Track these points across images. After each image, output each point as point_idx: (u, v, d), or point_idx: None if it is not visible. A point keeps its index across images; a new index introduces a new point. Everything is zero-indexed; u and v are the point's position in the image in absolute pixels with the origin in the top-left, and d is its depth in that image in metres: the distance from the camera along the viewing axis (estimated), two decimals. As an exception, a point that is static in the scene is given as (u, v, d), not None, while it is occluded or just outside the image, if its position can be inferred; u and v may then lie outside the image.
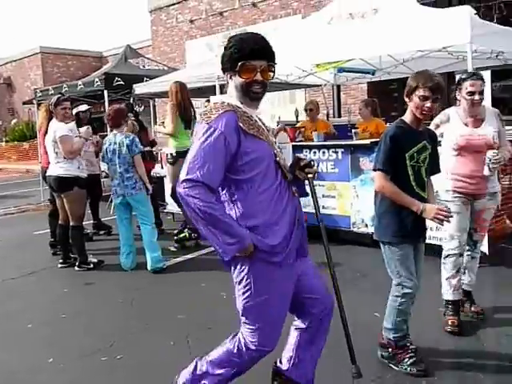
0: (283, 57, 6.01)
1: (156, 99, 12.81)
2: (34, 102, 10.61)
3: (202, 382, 2.33)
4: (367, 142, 5.55)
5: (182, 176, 2.00)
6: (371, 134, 6.04)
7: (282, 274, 2.13)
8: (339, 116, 11.16)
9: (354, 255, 5.29)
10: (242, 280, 2.13)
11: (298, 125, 7.35)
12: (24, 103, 19.86)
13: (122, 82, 8.56)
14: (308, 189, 2.37)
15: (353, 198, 5.63)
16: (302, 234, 2.26)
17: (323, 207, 5.89)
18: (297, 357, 2.42)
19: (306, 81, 8.52)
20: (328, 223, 5.85)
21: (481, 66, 5.77)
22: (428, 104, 2.69)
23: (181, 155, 5.81)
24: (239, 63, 2.08)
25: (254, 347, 2.19)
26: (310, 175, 2.31)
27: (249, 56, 2.07)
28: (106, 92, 8.24)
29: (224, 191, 2.13)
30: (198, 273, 4.99)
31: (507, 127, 4.22)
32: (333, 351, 2.71)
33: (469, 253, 3.58)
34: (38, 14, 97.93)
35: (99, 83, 8.50)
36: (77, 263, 5.30)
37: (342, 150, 5.71)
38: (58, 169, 5.15)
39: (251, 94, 2.12)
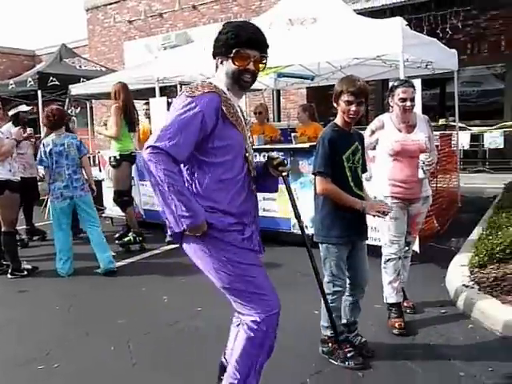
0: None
1: (93, 101, 12.48)
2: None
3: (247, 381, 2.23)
4: (306, 145, 5.71)
5: (150, 141, 1.99)
6: (309, 138, 6.20)
7: (247, 254, 2.18)
8: (279, 120, 11.39)
9: (294, 256, 5.39)
10: (209, 265, 2.14)
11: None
12: None
13: (57, 82, 8.29)
14: (279, 185, 2.48)
15: (293, 200, 5.76)
16: (257, 230, 2.33)
17: (264, 210, 5.99)
18: None
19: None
20: (269, 226, 5.97)
21: (412, 74, 6.11)
22: (353, 108, 2.82)
23: (124, 158, 5.72)
24: (234, 49, 2.09)
25: (260, 318, 2.16)
26: (283, 173, 2.39)
27: (245, 44, 2.09)
28: (39, 92, 7.94)
29: (186, 167, 2.13)
30: (138, 277, 4.92)
31: (435, 133, 4.50)
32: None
33: (405, 253, 3.74)
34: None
35: (32, 83, 8.18)
36: (9, 270, 5.08)
37: (282, 153, 5.82)
38: None
39: (241, 83, 2.14)
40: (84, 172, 5.16)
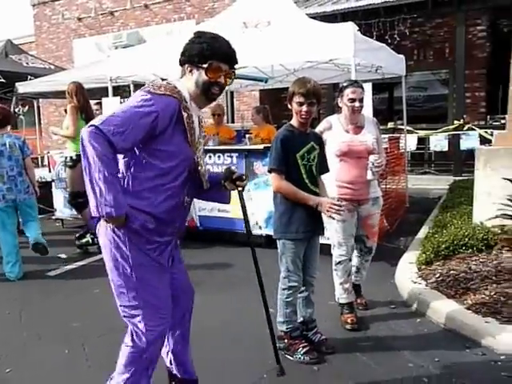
0: (176, 61, 6.14)
1: (41, 99, 12.12)
2: None
3: None
4: (261, 147, 5.80)
5: (95, 121, 1.95)
6: (263, 140, 6.30)
7: (154, 266, 2.14)
8: (232, 121, 11.45)
9: (248, 256, 5.47)
10: (112, 263, 2.12)
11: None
12: None
13: (2, 80, 8.01)
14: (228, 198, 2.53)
15: (247, 200, 5.81)
16: (175, 244, 2.34)
17: (219, 210, 6.04)
18: (171, 352, 2.48)
19: (200, 86, 8.62)
20: (224, 226, 6.03)
21: (363, 78, 6.31)
22: (304, 108, 2.94)
23: (80, 159, 5.59)
24: (209, 61, 2.11)
25: (140, 333, 2.13)
26: (239, 188, 2.47)
27: (219, 58, 2.13)
28: (-16, 89, 7.66)
29: (124, 160, 2.11)
30: (91, 279, 4.83)
31: (384, 135, 4.68)
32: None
33: (366, 257, 3.81)
34: None
35: (-24, 79, 7.88)
36: None
37: (237, 154, 5.89)
38: None
39: (209, 94, 2.17)
40: (27, 174, 4.99)
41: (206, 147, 6.26)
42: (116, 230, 2.06)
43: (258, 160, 5.72)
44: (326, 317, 3.62)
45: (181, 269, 2.41)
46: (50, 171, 7.35)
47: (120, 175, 2.08)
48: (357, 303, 3.82)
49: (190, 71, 2.16)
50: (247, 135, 6.45)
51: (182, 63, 2.20)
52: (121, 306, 2.18)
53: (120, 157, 2.09)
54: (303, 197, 2.95)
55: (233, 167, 2.62)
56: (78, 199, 5.70)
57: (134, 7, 14.78)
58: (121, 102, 6.29)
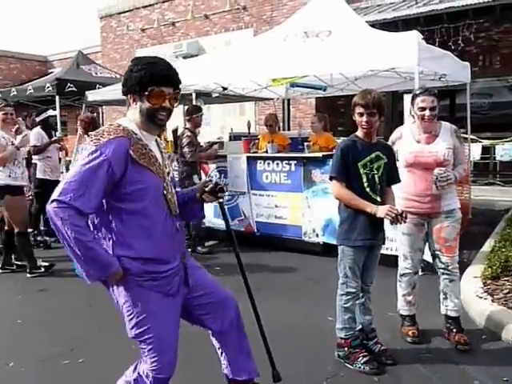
0: (238, 70, 6.28)
1: (104, 106, 12.67)
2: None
3: None
4: (319, 155, 5.82)
5: (55, 195, 1.93)
6: (321, 148, 6.32)
7: (162, 301, 2.10)
8: (288, 129, 11.49)
9: (305, 263, 5.50)
10: (123, 305, 2.10)
11: (259, 136, 7.54)
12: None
13: (74, 89, 8.46)
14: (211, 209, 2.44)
15: (304, 208, 5.86)
16: (185, 266, 2.24)
17: (275, 217, 6.10)
18: (228, 357, 2.44)
19: (258, 94, 8.75)
20: (280, 232, 6.08)
21: (426, 86, 6.20)
22: (364, 119, 2.98)
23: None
24: (149, 88, 2.02)
25: (149, 372, 2.15)
26: (220, 200, 2.38)
27: (159, 82, 2.03)
28: (57, 98, 8.11)
29: (100, 218, 2.06)
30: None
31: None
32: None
33: (445, 277, 3.45)
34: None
35: (50, 88, 8.36)
36: (28, 270, 5.23)
37: (295, 162, 5.93)
38: None
39: (156, 120, 2.08)
40: None
41: (265, 154, 6.38)
42: (121, 281, 2.06)
43: (317, 168, 5.73)
44: (385, 328, 3.59)
45: (206, 285, 2.34)
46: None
47: (104, 232, 2.05)
48: (455, 340, 3.36)
49: (134, 100, 2.08)
50: (305, 143, 6.48)
51: (124, 94, 2.12)
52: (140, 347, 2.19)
53: (97, 216, 2.06)
54: (362, 204, 2.97)
55: (213, 178, 2.52)
56: None
57: (194, 17, 15.19)
58: (183, 110, 6.49)
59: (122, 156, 1.97)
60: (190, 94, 7.58)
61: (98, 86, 8.95)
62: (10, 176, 5.15)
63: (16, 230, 5.20)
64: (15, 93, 9.14)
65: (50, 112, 6.50)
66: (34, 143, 6.24)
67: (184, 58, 14.01)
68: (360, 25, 6.20)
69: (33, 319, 4.06)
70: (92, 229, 2.06)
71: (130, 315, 2.09)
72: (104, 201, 2.01)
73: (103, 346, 3.48)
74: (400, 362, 3.14)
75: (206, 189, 2.31)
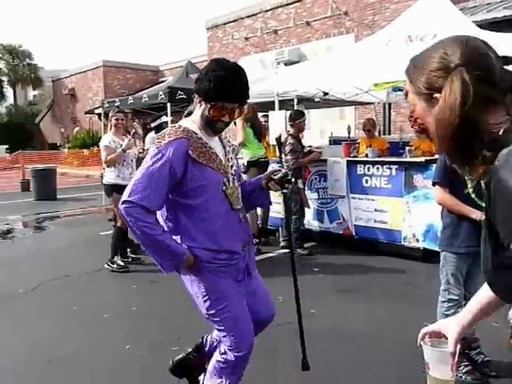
0: (339, 75, 6.29)
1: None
2: (98, 111, 11.25)
3: None
4: (422, 159, 5.64)
5: (124, 196, 2.09)
6: (424, 153, 6.11)
7: (233, 286, 2.23)
8: (389, 133, 11.22)
9: (404, 268, 5.37)
10: (198, 290, 2.22)
11: (359, 141, 7.50)
12: (86, 113, 20.95)
13: (183, 96, 8.96)
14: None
15: (405, 213, 5.72)
16: (249, 257, 2.33)
17: (375, 221, 6.01)
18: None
19: (359, 98, 8.67)
20: (379, 236, 5.99)
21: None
22: None
23: (252, 164, 6.06)
24: (213, 102, 2.10)
25: (229, 352, 2.25)
26: (285, 191, 2.40)
27: (225, 98, 2.10)
28: (169, 105, 8.65)
29: (168, 213, 2.20)
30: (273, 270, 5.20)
31: None
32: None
33: None
34: (102, 29, 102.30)
35: (163, 96, 8.93)
36: (108, 261, 5.75)
37: (396, 166, 5.81)
38: (105, 176, 5.85)
39: (214, 129, 2.19)
40: None
41: (365, 158, 6.32)
42: (191, 269, 2.20)
43: (419, 173, 5.57)
44: (489, 338, 3.41)
45: (257, 287, 2.44)
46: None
47: (170, 225, 2.20)
48: None
49: (199, 102, 2.17)
50: (407, 147, 6.32)
51: (194, 91, 2.21)
52: (214, 328, 2.32)
53: (163, 210, 2.20)
54: (466, 210, 2.87)
55: (275, 166, 2.55)
56: None
57: (296, 25, 15.38)
58: (285, 116, 6.64)
59: (181, 156, 2.08)
60: (292, 100, 7.73)
61: (205, 93, 9.39)
62: (118, 176, 5.66)
63: (117, 224, 5.73)
64: (132, 101, 9.88)
65: (164, 118, 6.98)
66: (148, 147, 6.76)
67: (285, 64, 14.26)
68: (467, 26, 5.93)
69: (146, 307, 4.40)
70: (162, 223, 2.21)
71: (204, 297, 2.20)
72: (170, 197, 2.15)
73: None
74: (506, 375, 2.98)
75: (276, 177, 2.35)
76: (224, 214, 2.20)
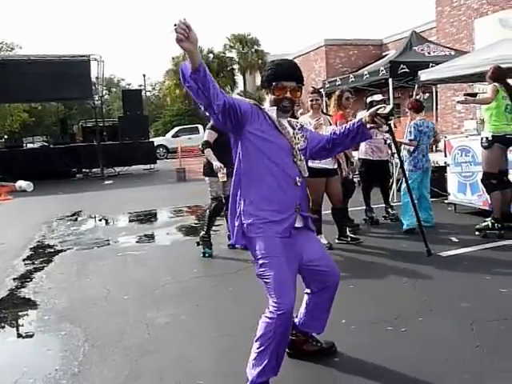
0: None
1: (438, 85, 12.60)
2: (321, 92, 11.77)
3: (255, 361, 2.73)
4: None
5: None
6: None
7: (282, 245, 2.69)
8: None
9: None
10: (254, 250, 2.74)
11: None
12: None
13: (406, 70, 8.82)
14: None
15: None
16: (302, 216, 2.85)
17: None
18: (308, 313, 3.10)
19: None
20: None
21: None
22: None
23: (497, 140, 5.74)
24: (274, 83, 2.76)
25: (273, 310, 2.63)
26: (390, 122, 2.86)
27: (282, 78, 2.75)
28: (390, 80, 8.62)
29: (237, 161, 2.76)
30: (479, 264, 4.97)
31: None
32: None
33: None
34: (324, 7, 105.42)
35: (384, 72, 8.94)
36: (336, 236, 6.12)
37: None
38: None
39: (281, 108, 2.77)
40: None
41: None
42: (250, 234, 2.75)
43: None
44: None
45: (316, 248, 2.95)
46: (445, 155, 7.71)
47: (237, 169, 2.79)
48: None
49: (267, 93, 2.86)
50: None
51: (262, 88, 2.95)
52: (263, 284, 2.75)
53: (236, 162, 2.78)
54: None
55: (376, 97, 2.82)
56: (491, 179, 5.86)
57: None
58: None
59: (259, 110, 2.75)
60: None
61: (431, 64, 9.05)
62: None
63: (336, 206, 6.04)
64: (353, 79, 10.12)
65: (376, 97, 6.96)
66: None
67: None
68: None
69: (364, 284, 4.64)
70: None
71: (256, 257, 2.73)
72: (239, 146, 2.74)
73: (426, 322, 3.71)
74: None
75: (384, 112, 2.81)
76: (280, 171, 2.72)
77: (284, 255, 2.71)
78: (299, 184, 2.80)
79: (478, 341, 3.32)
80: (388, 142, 6.95)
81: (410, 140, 6.48)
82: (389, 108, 2.85)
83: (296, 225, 2.83)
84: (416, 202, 6.28)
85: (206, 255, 5.90)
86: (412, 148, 6.48)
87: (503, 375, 2.91)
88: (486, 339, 3.34)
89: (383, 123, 2.83)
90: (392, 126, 2.91)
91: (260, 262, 2.73)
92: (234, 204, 2.85)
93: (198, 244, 6.02)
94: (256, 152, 2.72)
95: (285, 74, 2.77)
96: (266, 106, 2.86)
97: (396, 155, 5.84)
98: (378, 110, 2.85)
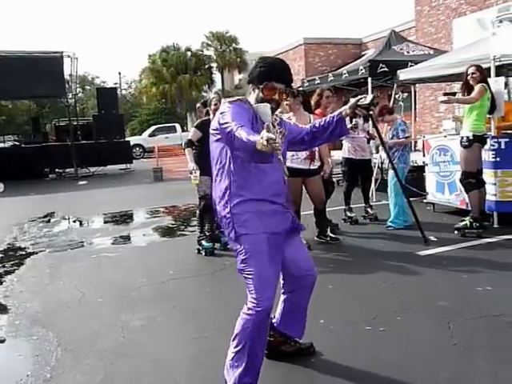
0: None
1: (417, 85, 12.76)
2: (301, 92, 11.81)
3: (232, 361, 2.75)
4: None
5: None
6: None
7: (267, 241, 2.70)
8: None
9: None
10: (238, 245, 2.75)
11: None
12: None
13: (385, 69, 8.91)
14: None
15: None
16: (289, 215, 2.89)
17: None
18: (285, 312, 3.11)
19: None
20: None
21: None
22: None
23: (477, 139, 5.82)
24: (265, 82, 2.74)
25: (252, 304, 2.67)
26: (370, 112, 2.99)
27: (273, 79, 2.73)
28: (369, 79, 8.71)
29: (223, 162, 2.74)
30: (458, 263, 5.05)
31: None
32: None
33: None
34: (303, 6, 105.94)
35: (363, 71, 9.02)
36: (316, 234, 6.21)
37: None
38: None
39: None
40: None
41: None
42: (228, 215, 2.74)
43: None
44: None
45: (299, 249, 2.99)
46: (424, 155, 7.83)
47: (223, 176, 2.78)
48: None
49: (253, 89, 2.81)
50: None
51: (248, 82, 2.89)
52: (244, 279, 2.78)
53: (221, 163, 2.78)
54: None
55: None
56: (469, 179, 5.96)
57: (524, -27, 13.71)
58: (505, 83, 6.14)
59: (249, 108, 2.75)
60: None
61: (410, 63, 9.17)
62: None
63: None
64: (332, 78, 10.20)
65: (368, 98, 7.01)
66: None
67: (510, 21, 12.85)
68: None
69: (342, 285, 4.67)
70: (218, 171, 2.79)
71: (239, 252, 2.75)
72: (227, 150, 2.71)
73: (405, 322, 3.75)
74: None
75: (365, 102, 2.89)
76: (271, 167, 2.72)
77: (267, 252, 2.73)
78: (285, 182, 2.85)
79: (455, 339, 3.39)
80: (373, 143, 7.05)
81: (406, 137, 6.67)
82: (369, 98, 2.90)
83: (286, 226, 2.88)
84: (393, 197, 6.49)
85: (209, 251, 5.89)
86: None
87: (480, 373, 2.98)
88: (462, 337, 3.41)
89: (364, 114, 2.96)
90: (373, 115, 3.05)
91: (242, 257, 2.75)
92: (221, 201, 2.81)
93: (199, 251, 5.99)
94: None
95: (277, 75, 2.77)
96: (251, 101, 2.83)
97: (384, 152, 5.87)
98: (358, 101, 2.91)
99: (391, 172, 6.48)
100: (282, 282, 3.07)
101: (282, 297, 3.15)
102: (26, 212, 10.14)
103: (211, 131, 2.85)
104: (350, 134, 6.73)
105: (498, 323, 3.61)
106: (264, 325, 2.75)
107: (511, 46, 6.52)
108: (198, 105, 6.72)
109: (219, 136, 2.76)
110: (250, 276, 2.72)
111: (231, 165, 2.74)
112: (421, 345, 3.37)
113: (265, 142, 2.19)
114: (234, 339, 2.77)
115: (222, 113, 2.73)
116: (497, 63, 6.35)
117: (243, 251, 2.74)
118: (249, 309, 2.71)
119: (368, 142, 7.14)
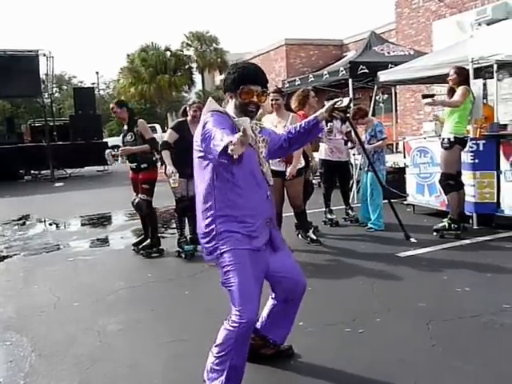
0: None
1: (398, 86, 12.90)
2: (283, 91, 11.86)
3: (214, 367, 2.75)
4: None
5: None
6: None
7: (249, 256, 2.70)
8: None
9: None
10: (220, 258, 2.73)
11: None
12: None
13: (366, 70, 8.99)
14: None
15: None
16: (272, 231, 2.87)
17: None
18: (272, 318, 3.13)
19: None
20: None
21: None
22: None
23: (458, 141, 5.91)
24: (241, 86, 2.73)
25: (236, 317, 2.65)
26: (348, 115, 3.08)
27: (249, 81, 2.73)
28: (350, 81, 8.77)
29: (206, 179, 2.72)
30: (439, 264, 5.12)
31: None
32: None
33: None
34: (284, 6, 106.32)
35: (344, 72, 9.09)
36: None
37: None
38: None
39: (247, 113, 2.73)
40: None
41: None
42: (212, 232, 2.74)
43: None
44: None
45: (283, 256, 2.95)
46: (404, 157, 7.92)
47: (208, 191, 2.74)
48: None
49: (231, 97, 2.81)
50: None
51: (223, 91, 2.87)
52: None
53: (205, 183, 2.75)
54: None
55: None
56: (448, 181, 6.04)
57: (501, -24, 13.97)
58: (484, 84, 6.26)
59: (227, 119, 2.71)
60: (491, 66, 7.18)
61: (390, 65, 9.27)
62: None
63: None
64: (312, 79, 10.26)
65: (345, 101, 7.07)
66: None
67: (488, 24, 13.07)
68: None
69: (326, 287, 4.68)
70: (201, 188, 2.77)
71: (222, 264, 2.74)
72: (211, 167, 2.69)
73: (385, 323, 3.79)
74: None
75: (341, 105, 2.93)
76: (256, 185, 2.76)
77: (250, 266, 2.73)
78: (269, 197, 2.84)
79: (434, 340, 3.44)
80: (350, 145, 7.10)
81: (383, 139, 6.74)
82: (346, 100, 2.94)
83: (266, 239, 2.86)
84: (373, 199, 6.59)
85: (189, 253, 5.87)
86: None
87: (457, 373, 3.02)
88: (441, 338, 3.45)
89: (342, 116, 2.98)
90: (351, 118, 3.12)
91: (225, 269, 2.74)
92: (204, 218, 2.79)
93: (179, 254, 5.98)
94: (231, 166, 2.64)
95: (251, 77, 2.78)
96: (230, 110, 2.83)
97: (363, 154, 5.92)
98: (335, 104, 2.94)
99: (370, 174, 6.54)
100: (271, 289, 3.09)
101: (271, 301, 3.16)
102: (0, 214, 9.99)
103: (194, 146, 2.81)
104: (325, 134, 6.84)
105: (476, 324, 3.67)
106: (247, 336, 2.75)
107: (489, 49, 6.63)
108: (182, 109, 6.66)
109: (202, 153, 2.73)
110: (232, 288, 2.71)
111: (214, 182, 2.73)
112: (400, 346, 3.41)
113: (239, 138, 2.19)
114: (216, 346, 2.77)
115: (204, 124, 2.70)
116: (475, 65, 6.45)
117: (225, 262, 2.74)
118: (233, 321, 2.69)
119: (345, 144, 7.17)
